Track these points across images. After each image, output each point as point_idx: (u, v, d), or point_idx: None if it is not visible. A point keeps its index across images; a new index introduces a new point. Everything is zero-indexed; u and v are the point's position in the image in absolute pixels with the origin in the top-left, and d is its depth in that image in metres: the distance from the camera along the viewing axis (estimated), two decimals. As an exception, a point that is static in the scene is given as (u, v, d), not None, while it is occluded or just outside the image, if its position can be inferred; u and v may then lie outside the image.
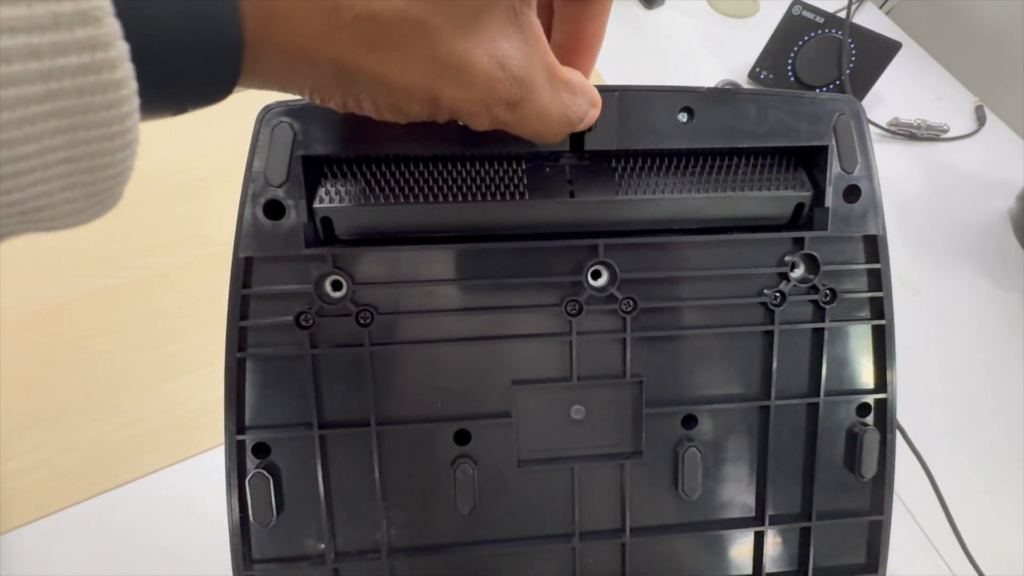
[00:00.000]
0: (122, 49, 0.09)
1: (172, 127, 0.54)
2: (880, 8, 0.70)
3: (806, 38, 0.56)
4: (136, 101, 0.10)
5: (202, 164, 0.51)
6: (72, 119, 0.09)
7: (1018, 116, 0.60)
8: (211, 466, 0.39)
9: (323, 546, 0.21)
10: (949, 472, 0.41)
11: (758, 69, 0.59)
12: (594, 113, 0.18)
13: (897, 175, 0.56)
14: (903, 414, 0.43)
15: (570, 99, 0.17)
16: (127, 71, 0.09)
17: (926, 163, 0.57)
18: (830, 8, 0.57)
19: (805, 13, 0.56)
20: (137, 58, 0.10)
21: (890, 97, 0.60)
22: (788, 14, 0.56)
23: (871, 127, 0.57)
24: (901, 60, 0.56)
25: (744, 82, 0.60)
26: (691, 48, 0.63)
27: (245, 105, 0.57)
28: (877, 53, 0.55)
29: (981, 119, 0.60)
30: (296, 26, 0.12)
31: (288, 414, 0.21)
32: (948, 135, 0.58)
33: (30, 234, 0.10)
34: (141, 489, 0.38)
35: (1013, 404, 0.45)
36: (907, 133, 0.58)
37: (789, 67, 0.57)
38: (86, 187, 0.10)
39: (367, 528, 0.21)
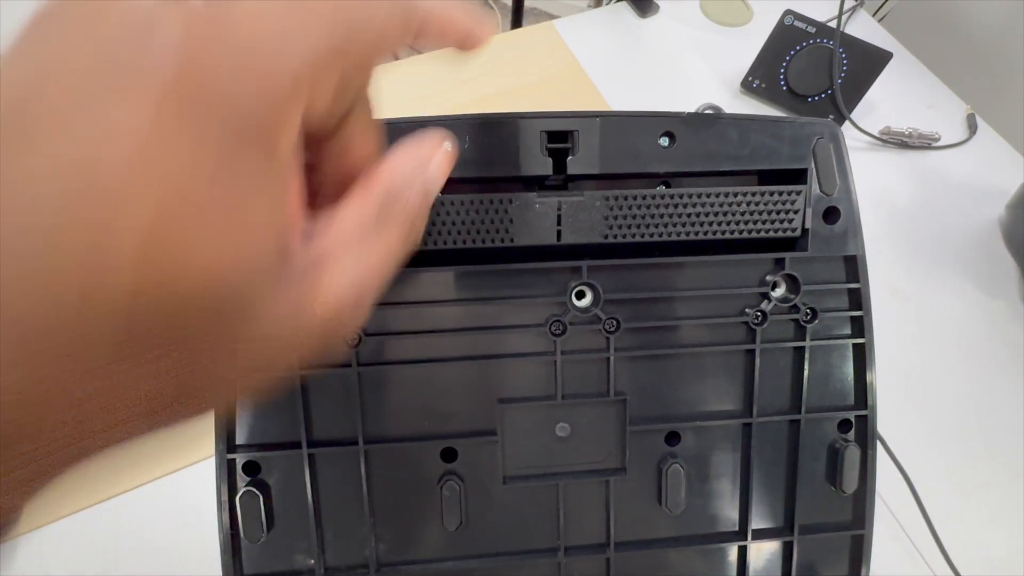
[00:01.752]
0: None
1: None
2: (873, 16, 0.70)
3: (798, 48, 0.56)
4: None
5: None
6: None
7: (1009, 124, 0.61)
8: (208, 476, 0.39)
9: (312, 562, 0.21)
10: (934, 479, 0.42)
11: (750, 78, 0.59)
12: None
13: (888, 183, 0.57)
14: (890, 422, 0.43)
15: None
16: None
17: (917, 171, 0.58)
18: (822, 17, 0.58)
19: (797, 23, 0.56)
20: None
21: (882, 105, 0.61)
22: (780, 24, 0.57)
23: (863, 136, 0.58)
24: (893, 68, 0.56)
25: (737, 91, 0.61)
26: (685, 56, 0.64)
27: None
28: (868, 63, 0.55)
29: (972, 127, 0.60)
30: None
31: (278, 433, 0.21)
32: (939, 143, 0.59)
33: None
34: (138, 498, 0.38)
35: (1001, 411, 0.45)
36: (898, 141, 0.58)
37: (781, 76, 0.57)
38: None
39: (356, 544, 0.22)
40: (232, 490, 0.21)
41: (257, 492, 0.21)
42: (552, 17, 1.82)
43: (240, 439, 0.21)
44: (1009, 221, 0.53)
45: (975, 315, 0.50)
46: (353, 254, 0.12)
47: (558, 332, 0.22)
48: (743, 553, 0.24)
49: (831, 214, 0.23)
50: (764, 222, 0.22)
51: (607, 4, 0.68)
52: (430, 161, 0.13)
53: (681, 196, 0.21)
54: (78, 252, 0.08)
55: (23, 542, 0.36)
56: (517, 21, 1.07)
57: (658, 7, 0.66)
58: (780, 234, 0.22)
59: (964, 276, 0.52)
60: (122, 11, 0.09)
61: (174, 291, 0.09)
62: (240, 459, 0.21)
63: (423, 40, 0.14)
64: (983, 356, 0.48)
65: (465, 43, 0.14)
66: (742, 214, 0.22)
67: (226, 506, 0.21)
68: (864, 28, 0.67)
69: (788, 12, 0.56)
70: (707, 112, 0.22)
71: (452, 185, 0.21)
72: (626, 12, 0.66)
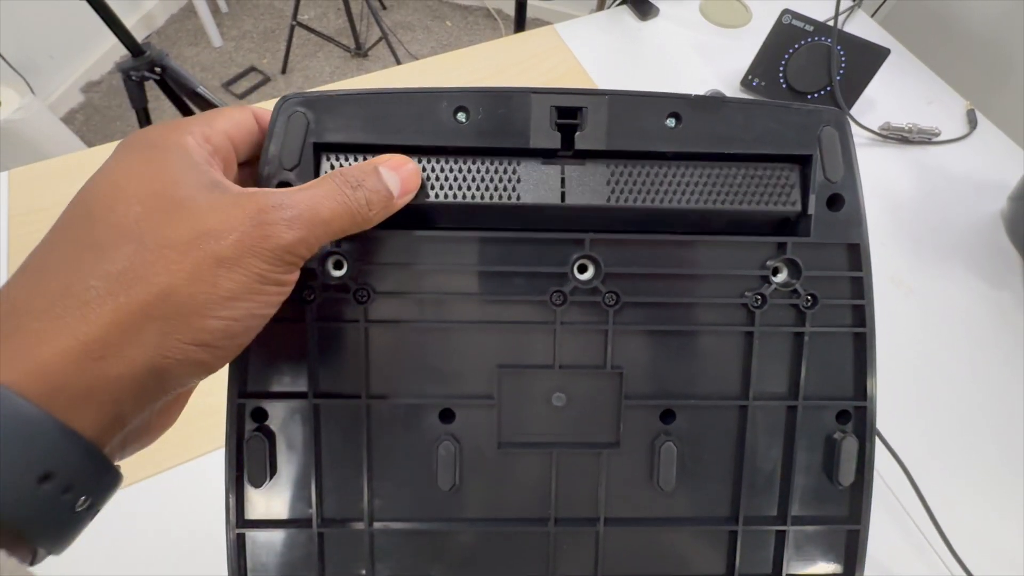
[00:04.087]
0: None
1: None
2: (871, 16, 0.71)
3: (796, 46, 0.57)
4: None
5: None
6: None
7: (1008, 119, 0.61)
8: (219, 462, 0.40)
9: (311, 511, 0.22)
10: (938, 469, 0.41)
11: (750, 77, 0.60)
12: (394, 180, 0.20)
13: (890, 178, 0.57)
14: (894, 412, 0.43)
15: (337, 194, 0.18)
16: None
17: (918, 166, 0.58)
18: (820, 16, 0.59)
19: (795, 22, 0.57)
20: None
21: (882, 102, 0.61)
22: (778, 23, 0.58)
23: (863, 131, 0.59)
24: (892, 66, 0.57)
25: (737, 89, 0.61)
26: (685, 57, 0.65)
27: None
28: (866, 59, 0.56)
29: (972, 122, 0.60)
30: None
31: (287, 383, 0.22)
32: (940, 138, 0.59)
33: None
34: (157, 485, 0.39)
35: (1006, 400, 0.45)
36: (899, 137, 0.58)
37: (780, 74, 0.58)
38: None
39: (353, 497, 0.22)
40: (240, 435, 0.21)
41: (263, 438, 0.21)
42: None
43: (251, 386, 0.21)
44: (1011, 213, 0.53)
45: (979, 306, 0.50)
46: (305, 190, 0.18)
47: (558, 303, 0.22)
48: (733, 539, 0.23)
49: (835, 201, 0.22)
50: (761, 195, 0.22)
51: (608, 8, 0.70)
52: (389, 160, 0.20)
53: (679, 167, 0.22)
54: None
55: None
56: (520, 16, 1.09)
57: (658, 10, 0.68)
58: (778, 207, 0.22)
59: (967, 267, 0.52)
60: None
61: None
62: (249, 405, 0.21)
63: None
64: (988, 346, 0.48)
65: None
66: (739, 185, 0.22)
67: (233, 449, 0.21)
68: (862, 27, 0.68)
69: (786, 11, 0.57)
70: (714, 95, 0.23)
71: (466, 152, 0.22)
72: (626, 15, 0.68)
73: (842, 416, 0.23)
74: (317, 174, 0.21)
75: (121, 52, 0.86)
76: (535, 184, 0.22)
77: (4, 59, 1.26)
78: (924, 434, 0.43)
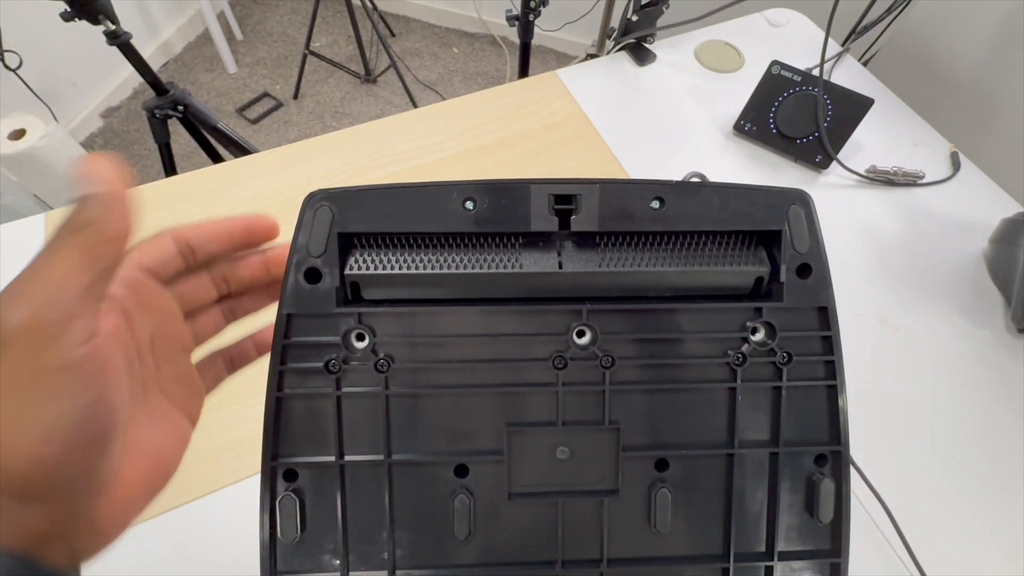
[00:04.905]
0: None
1: (205, 187, 0.59)
2: (859, 59, 0.75)
3: (785, 95, 0.60)
4: None
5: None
6: None
7: (991, 161, 0.64)
8: (241, 495, 0.43)
9: (337, 563, 0.24)
10: (921, 504, 0.43)
11: (743, 122, 0.63)
12: None
13: (876, 219, 0.60)
14: (879, 447, 0.45)
15: None
16: None
17: (904, 208, 0.61)
18: (810, 61, 0.62)
19: (783, 72, 0.60)
20: None
21: (868, 145, 0.64)
22: (768, 73, 0.61)
23: (850, 174, 0.62)
24: (879, 109, 0.60)
25: (730, 134, 0.65)
26: (681, 101, 0.68)
27: (269, 165, 0.63)
28: (851, 108, 0.59)
29: (956, 165, 0.63)
30: None
31: (315, 446, 0.24)
32: (924, 180, 0.62)
33: None
34: (180, 517, 0.41)
35: (989, 437, 0.47)
36: (884, 179, 0.61)
37: (771, 120, 0.62)
38: None
39: (377, 549, 0.24)
40: (273, 495, 0.24)
41: (294, 497, 0.23)
42: (556, 53, 1.90)
43: (283, 450, 0.24)
44: (992, 254, 0.56)
45: (962, 344, 0.52)
46: None
47: (560, 366, 0.25)
48: (726, 575, 0.25)
49: (804, 270, 0.25)
50: (734, 259, 0.25)
51: (607, 54, 0.73)
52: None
53: (663, 235, 0.25)
54: None
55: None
56: (525, 57, 1.14)
57: (655, 56, 0.71)
58: (749, 267, 0.25)
59: (951, 307, 0.54)
60: None
61: None
62: (281, 467, 0.24)
63: (209, 252, 0.24)
64: (971, 384, 0.50)
65: (257, 233, 0.25)
66: (716, 250, 0.25)
67: (267, 508, 0.23)
68: (850, 72, 0.71)
69: (775, 62, 0.61)
70: (693, 180, 0.25)
71: (475, 236, 0.25)
72: (625, 61, 0.71)
73: (820, 459, 0.26)
74: (343, 261, 0.24)
75: (140, 79, 0.91)
76: (536, 259, 0.25)
77: (30, 88, 1.32)
78: (905, 469, 0.46)
